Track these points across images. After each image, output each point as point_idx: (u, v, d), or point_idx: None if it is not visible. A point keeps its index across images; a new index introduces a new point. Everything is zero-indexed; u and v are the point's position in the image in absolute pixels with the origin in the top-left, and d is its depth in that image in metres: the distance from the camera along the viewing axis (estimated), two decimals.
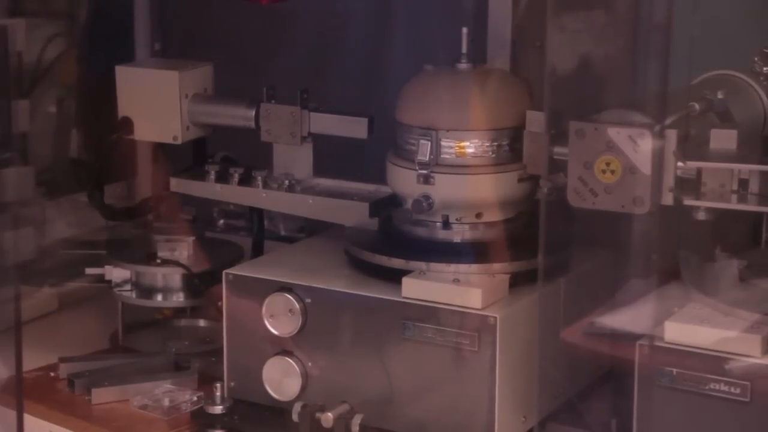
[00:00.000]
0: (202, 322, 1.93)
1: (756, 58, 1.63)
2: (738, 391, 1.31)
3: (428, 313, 1.48)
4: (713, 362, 1.32)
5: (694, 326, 1.35)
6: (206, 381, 1.69)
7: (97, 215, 1.90)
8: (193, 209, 1.90)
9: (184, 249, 1.85)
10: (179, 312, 1.93)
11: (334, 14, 2.04)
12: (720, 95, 1.47)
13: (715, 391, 1.32)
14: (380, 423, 1.51)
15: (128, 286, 1.85)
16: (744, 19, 1.73)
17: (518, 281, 1.51)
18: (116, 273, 1.85)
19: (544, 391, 1.50)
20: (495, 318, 1.44)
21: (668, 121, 1.38)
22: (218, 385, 1.61)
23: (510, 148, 1.54)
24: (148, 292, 1.85)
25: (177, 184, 1.77)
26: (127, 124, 1.79)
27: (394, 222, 1.63)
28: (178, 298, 1.86)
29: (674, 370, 1.34)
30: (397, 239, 1.59)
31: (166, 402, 1.67)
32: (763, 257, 1.46)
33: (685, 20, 1.43)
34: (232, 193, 1.74)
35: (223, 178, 1.73)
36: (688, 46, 1.42)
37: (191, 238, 1.86)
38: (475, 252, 1.54)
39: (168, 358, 1.78)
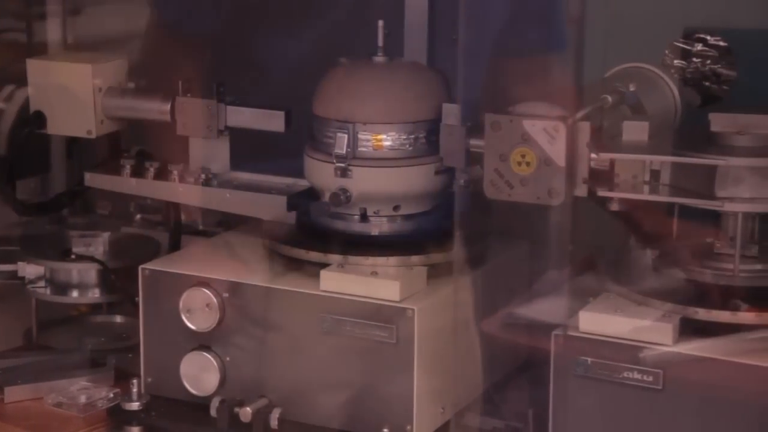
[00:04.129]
0: (118, 318, 1.90)
1: (667, 51, 1.66)
2: (651, 379, 1.34)
3: (346, 306, 1.48)
4: (627, 351, 1.34)
5: (608, 316, 1.37)
6: (123, 377, 1.68)
7: (9, 211, 1.86)
8: (109, 204, 1.87)
9: (99, 244, 1.83)
10: (95, 308, 1.91)
11: (250, 6, 2.02)
12: (632, 88, 1.49)
13: (629, 379, 1.34)
14: (299, 417, 1.51)
15: (42, 283, 1.82)
16: (655, 11, 1.75)
17: (436, 273, 1.52)
18: (30, 269, 1.82)
19: (463, 382, 1.51)
20: (413, 310, 1.44)
21: (581, 113, 1.40)
22: (135, 381, 1.59)
23: (427, 140, 1.55)
24: (62, 288, 1.83)
25: (92, 179, 1.75)
26: (40, 118, 1.76)
27: (311, 215, 1.62)
28: (94, 294, 1.83)
29: (589, 359, 1.36)
30: (315, 233, 1.59)
31: (82, 399, 1.65)
32: (675, 247, 1.48)
33: (598, 13, 1.45)
34: (148, 188, 1.72)
35: (138, 172, 1.71)
36: (601, 39, 1.44)
37: (106, 233, 1.84)
38: (393, 244, 1.55)
39: (83, 355, 1.76)
